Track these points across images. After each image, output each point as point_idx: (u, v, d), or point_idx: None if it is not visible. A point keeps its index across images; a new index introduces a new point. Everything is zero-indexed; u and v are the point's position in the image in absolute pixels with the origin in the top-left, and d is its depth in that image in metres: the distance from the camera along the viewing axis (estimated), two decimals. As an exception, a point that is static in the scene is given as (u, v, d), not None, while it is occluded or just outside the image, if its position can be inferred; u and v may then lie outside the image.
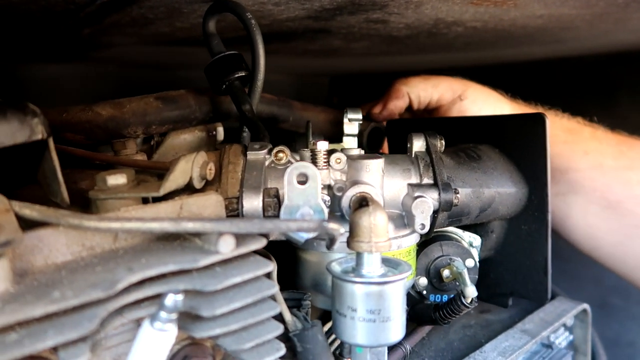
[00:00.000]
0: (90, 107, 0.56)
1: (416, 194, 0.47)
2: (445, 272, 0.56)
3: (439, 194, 0.48)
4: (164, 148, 0.61)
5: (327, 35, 0.85)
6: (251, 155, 0.48)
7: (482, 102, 0.72)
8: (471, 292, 0.51)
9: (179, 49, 1.03)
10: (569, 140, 0.68)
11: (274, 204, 0.45)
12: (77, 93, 1.34)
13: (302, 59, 1.21)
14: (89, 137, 0.56)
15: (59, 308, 0.29)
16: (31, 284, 0.32)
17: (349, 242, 0.40)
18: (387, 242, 0.40)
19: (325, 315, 0.52)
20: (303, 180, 0.39)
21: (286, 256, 0.52)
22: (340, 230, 0.36)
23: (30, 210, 0.34)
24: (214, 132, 0.65)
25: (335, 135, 0.75)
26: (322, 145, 0.46)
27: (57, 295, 0.30)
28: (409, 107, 0.77)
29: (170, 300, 0.31)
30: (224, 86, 0.58)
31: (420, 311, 0.55)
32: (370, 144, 0.79)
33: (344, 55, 1.16)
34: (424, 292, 0.57)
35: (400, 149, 0.76)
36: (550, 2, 0.58)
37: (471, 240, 0.59)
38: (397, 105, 0.74)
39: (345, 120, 0.60)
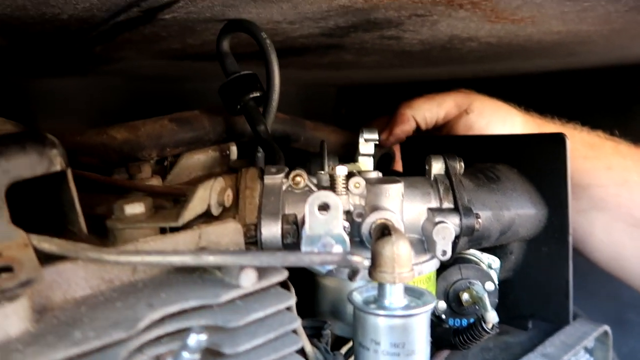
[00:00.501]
0: (105, 130, 0.55)
1: (437, 219, 0.46)
2: (465, 296, 0.55)
3: (460, 219, 0.47)
4: (177, 169, 0.60)
5: (339, 50, 0.84)
6: (268, 179, 0.47)
7: (489, 114, 0.70)
8: (492, 317, 0.50)
9: (187, 64, 1.03)
10: (590, 155, 0.66)
11: (292, 231, 0.44)
12: (85, 106, 1.34)
13: (311, 71, 1.20)
14: (104, 160, 0.56)
15: (82, 350, 0.28)
16: (51, 322, 0.31)
17: (371, 272, 0.39)
18: (410, 272, 0.39)
19: (340, 340, 0.51)
20: (324, 209, 0.38)
21: (301, 280, 0.51)
22: (364, 263, 0.35)
23: (49, 244, 0.34)
24: (228, 152, 0.64)
25: (346, 155, 0.74)
26: (341, 171, 0.45)
27: (79, 336, 0.29)
28: (417, 128, 0.76)
29: (194, 340, 0.30)
30: (238, 106, 0.57)
31: (439, 335, 0.54)
32: (379, 169, 0.78)
33: (353, 68, 1.16)
34: (443, 316, 0.56)
35: (413, 166, 0.75)
36: (569, 19, 0.57)
37: (490, 262, 0.58)
38: (403, 130, 0.73)
39: (361, 141, 0.59)
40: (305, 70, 1.16)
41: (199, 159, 0.61)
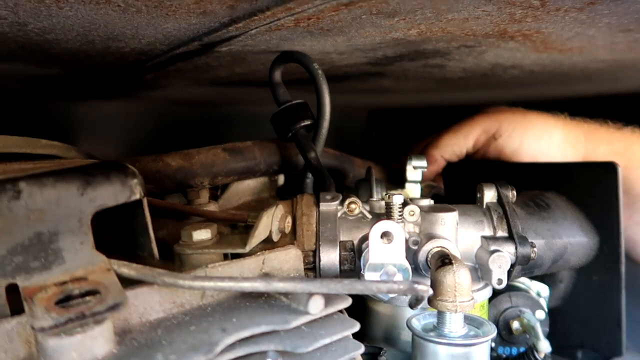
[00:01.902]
0: (160, 157, 0.57)
1: (492, 248, 0.47)
2: (515, 324, 0.55)
3: (516, 248, 0.47)
4: (228, 193, 0.62)
5: (380, 77, 0.86)
6: (324, 206, 0.49)
7: (520, 135, 0.67)
8: (545, 346, 0.50)
9: (229, 90, 1.06)
10: None
11: (350, 258, 0.45)
12: (125, 127, 1.39)
13: (346, 95, 1.23)
14: (158, 187, 0.58)
15: (165, 373, 0.30)
16: (131, 344, 0.33)
17: (432, 301, 0.39)
18: (471, 301, 0.39)
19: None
20: (387, 237, 0.39)
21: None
22: (429, 291, 0.36)
23: (128, 269, 0.35)
24: (276, 178, 0.66)
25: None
26: (398, 199, 0.46)
27: (161, 358, 0.31)
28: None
29: (270, 365, 0.31)
30: (289, 134, 0.59)
31: (489, 364, 0.54)
32: None
33: (390, 93, 1.17)
34: (493, 344, 0.56)
35: (456, 191, 0.76)
36: (619, 49, 0.58)
37: (539, 290, 0.58)
38: (431, 171, 0.73)
39: (409, 168, 0.60)
40: (341, 95, 1.19)
41: (248, 184, 0.63)
